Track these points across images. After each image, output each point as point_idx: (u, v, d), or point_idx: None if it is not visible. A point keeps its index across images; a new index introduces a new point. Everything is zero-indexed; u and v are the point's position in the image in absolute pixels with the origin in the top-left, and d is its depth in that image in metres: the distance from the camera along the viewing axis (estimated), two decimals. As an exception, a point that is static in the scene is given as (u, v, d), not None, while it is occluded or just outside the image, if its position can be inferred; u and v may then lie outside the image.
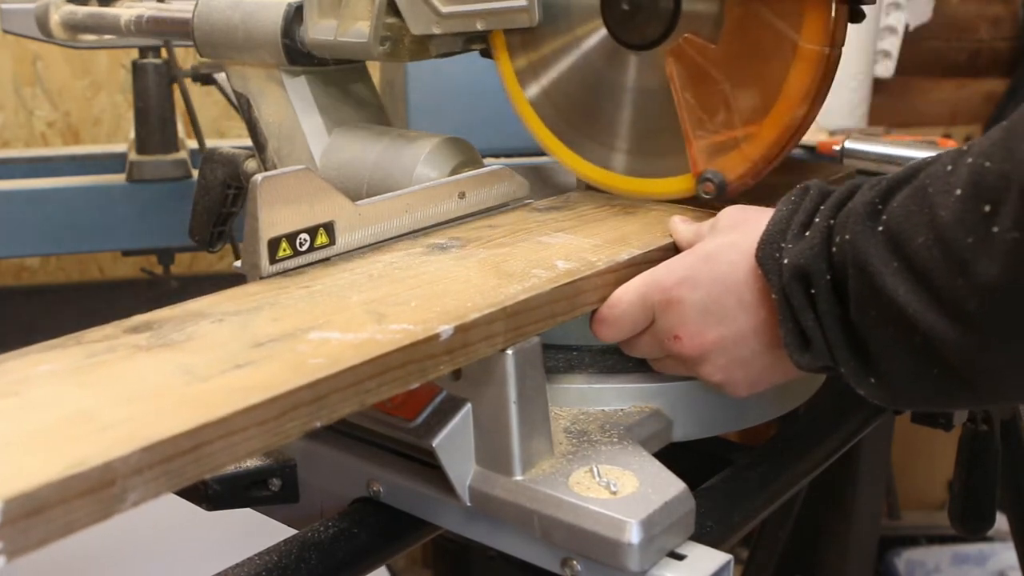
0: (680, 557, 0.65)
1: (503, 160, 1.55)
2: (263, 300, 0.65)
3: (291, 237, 0.71)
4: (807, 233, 0.67)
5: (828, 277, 0.65)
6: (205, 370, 0.53)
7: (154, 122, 1.72)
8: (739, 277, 0.71)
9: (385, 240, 0.78)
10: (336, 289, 0.67)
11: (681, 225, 0.80)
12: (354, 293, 0.66)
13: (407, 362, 0.58)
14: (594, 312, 0.75)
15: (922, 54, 2.29)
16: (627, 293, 0.74)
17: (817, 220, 0.67)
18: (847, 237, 0.63)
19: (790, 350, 0.68)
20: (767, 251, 0.69)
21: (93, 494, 0.43)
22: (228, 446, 0.48)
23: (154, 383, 0.52)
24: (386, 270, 0.71)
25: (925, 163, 0.63)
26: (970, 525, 1.16)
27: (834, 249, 0.64)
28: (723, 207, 0.78)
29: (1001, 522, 1.21)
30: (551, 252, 0.76)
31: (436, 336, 0.60)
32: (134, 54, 1.75)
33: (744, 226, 0.73)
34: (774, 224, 0.70)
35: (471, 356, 0.63)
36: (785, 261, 0.67)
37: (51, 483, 0.41)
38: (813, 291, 0.65)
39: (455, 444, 0.67)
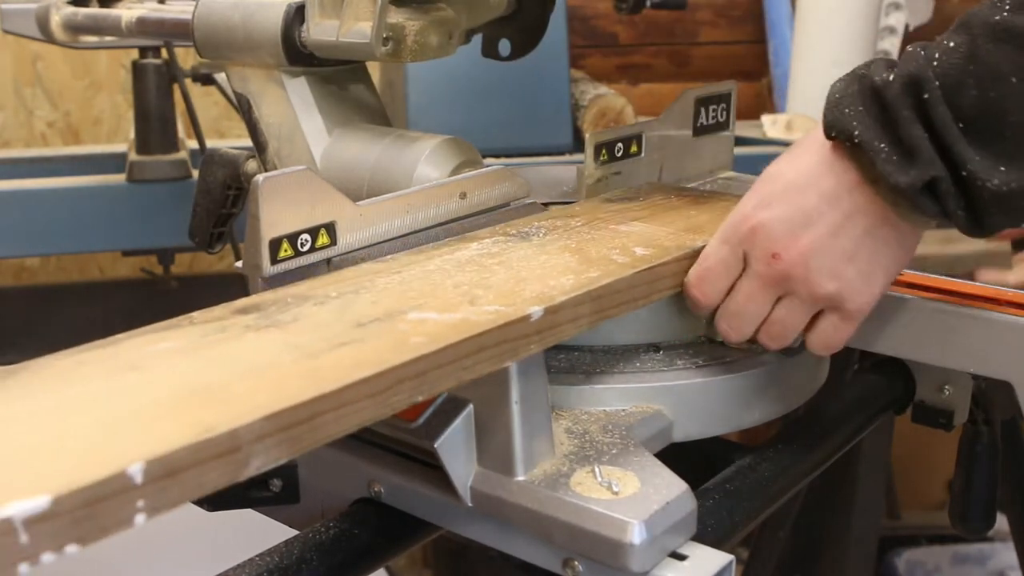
0: (682, 557, 0.65)
1: (503, 160, 1.55)
2: (359, 284, 0.68)
3: (292, 238, 0.71)
4: (895, 69, 0.67)
5: (937, 83, 0.65)
6: (314, 347, 0.56)
7: (154, 122, 1.72)
8: (811, 172, 0.72)
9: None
10: (427, 274, 0.70)
11: None
12: (445, 278, 0.70)
13: (501, 341, 0.61)
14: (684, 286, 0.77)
15: (922, 54, 2.28)
16: (710, 245, 0.77)
17: (906, 53, 0.68)
18: (958, 41, 0.65)
19: (895, 174, 0.66)
20: (835, 114, 0.69)
21: (221, 458, 0.46)
22: (340, 416, 0.52)
23: (268, 359, 0.55)
24: (473, 256, 0.74)
25: None
26: (970, 525, 1.16)
27: (936, 63, 0.65)
28: None
29: (1001, 522, 1.21)
30: (629, 240, 0.79)
31: (527, 317, 0.63)
32: (134, 54, 1.75)
33: (794, 148, 0.75)
34: (833, 95, 0.70)
35: (558, 336, 0.66)
36: (891, 78, 0.67)
37: (185, 447, 0.44)
38: (926, 96, 0.65)
39: (457, 445, 0.67)
